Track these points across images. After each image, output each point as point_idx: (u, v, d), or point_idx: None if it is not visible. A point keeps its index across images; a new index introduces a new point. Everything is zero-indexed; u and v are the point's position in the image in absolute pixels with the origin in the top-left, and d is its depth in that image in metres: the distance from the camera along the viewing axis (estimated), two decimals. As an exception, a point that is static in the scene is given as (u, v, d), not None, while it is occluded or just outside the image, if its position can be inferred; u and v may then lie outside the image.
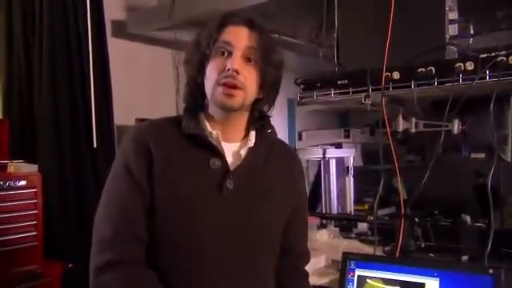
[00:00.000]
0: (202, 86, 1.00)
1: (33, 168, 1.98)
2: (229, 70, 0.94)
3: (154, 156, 0.96)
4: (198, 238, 0.95)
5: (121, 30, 2.68)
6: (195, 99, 1.02)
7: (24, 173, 1.92)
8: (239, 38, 0.96)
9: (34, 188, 1.92)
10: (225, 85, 0.95)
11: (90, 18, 2.36)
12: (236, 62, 0.95)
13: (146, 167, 0.95)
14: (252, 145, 1.03)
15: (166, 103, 2.78)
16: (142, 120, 2.47)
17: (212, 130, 1.00)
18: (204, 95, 1.01)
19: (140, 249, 0.95)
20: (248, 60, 0.97)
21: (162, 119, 1.06)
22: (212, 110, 1.01)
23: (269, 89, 1.02)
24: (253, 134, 1.05)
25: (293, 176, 1.13)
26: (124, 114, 2.56)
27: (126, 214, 0.94)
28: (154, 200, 0.95)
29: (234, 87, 0.95)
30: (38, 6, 2.25)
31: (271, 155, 1.07)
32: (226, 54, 0.97)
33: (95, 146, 2.37)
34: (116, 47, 2.58)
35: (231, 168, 0.99)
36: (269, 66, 0.99)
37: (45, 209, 1.98)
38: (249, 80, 0.97)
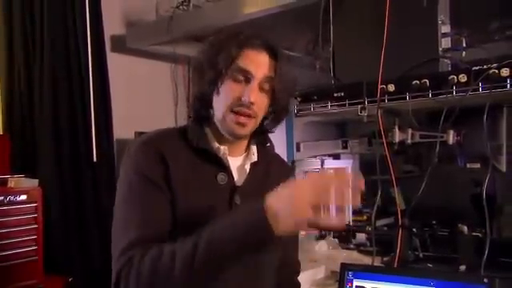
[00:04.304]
0: (210, 101, 0.99)
1: (33, 183, 1.99)
2: (245, 100, 0.94)
3: (168, 161, 0.94)
4: None
5: (120, 44, 2.71)
6: (203, 113, 1.02)
7: (24, 187, 1.93)
8: (259, 67, 0.95)
9: (34, 203, 1.92)
10: (237, 113, 0.95)
11: (90, 34, 2.39)
12: (253, 95, 0.95)
13: (162, 170, 0.94)
14: (255, 159, 1.05)
15: (165, 116, 2.80)
16: (142, 133, 2.49)
17: (219, 145, 1.00)
18: (211, 109, 1.00)
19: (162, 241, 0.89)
20: (262, 88, 0.97)
21: (167, 130, 1.05)
22: (220, 128, 1.00)
23: (280, 112, 1.04)
24: (254, 148, 1.06)
25: None
26: (123, 127, 2.58)
27: (150, 215, 0.91)
28: (173, 204, 0.93)
29: (247, 116, 0.96)
30: (38, 22, 2.29)
31: (270, 169, 1.08)
32: (243, 80, 0.95)
33: (95, 160, 2.39)
34: (115, 62, 2.61)
35: (237, 183, 1.01)
36: (284, 93, 1.00)
37: (45, 223, 1.99)
38: (261, 108, 0.98)
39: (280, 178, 1.09)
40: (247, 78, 0.95)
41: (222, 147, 1.00)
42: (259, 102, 0.96)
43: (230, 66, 0.95)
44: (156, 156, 0.95)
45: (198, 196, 0.96)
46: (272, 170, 1.09)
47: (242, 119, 0.95)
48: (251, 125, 0.98)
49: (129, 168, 0.97)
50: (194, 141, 0.99)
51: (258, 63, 0.95)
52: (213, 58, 0.96)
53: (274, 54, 0.97)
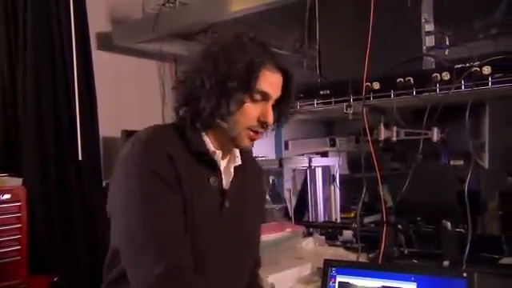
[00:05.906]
0: (221, 114, 0.99)
1: (17, 181, 1.96)
2: (264, 121, 0.99)
3: (175, 161, 0.95)
4: (200, 255, 0.97)
5: (106, 42, 2.69)
6: (206, 117, 1.00)
7: (8, 186, 1.90)
8: (276, 89, 1.01)
9: (18, 202, 1.90)
10: (253, 131, 1.00)
11: (75, 31, 2.36)
12: (271, 116, 1.00)
13: (172, 170, 0.94)
14: (240, 162, 1.08)
15: (152, 114, 2.79)
16: (128, 132, 2.48)
17: (214, 148, 1.02)
18: (219, 120, 1.00)
19: (189, 252, 0.94)
20: (272, 105, 1.02)
21: (163, 129, 1.03)
22: (228, 139, 1.02)
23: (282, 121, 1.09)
24: (237, 151, 1.09)
25: (261, 187, 1.22)
26: (110, 125, 2.56)
27: (172, 215, 0.93)
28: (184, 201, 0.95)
29: (260, 133, 1.02)
30: (21, 20, 2.26)
31: (246, 170, 1.11)
32: (260, 100, 0.99)
33: (80, 158, 2.37)
34: (101, 59, 2.59)
35: (225, 186, 1.04)
36: (289, 107, 1.07)
37: (29, 222, 1.96)
38: None
39: (253, 180, 1.14)
40: (265, 99, 1.00)
41: (217, 151, 1.03)
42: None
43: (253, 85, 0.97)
44: (164, 155, 0.95)
45: (197, 197, 0.98)
46: (247, 171, 1.12)
47: (255, 136, 1.02)
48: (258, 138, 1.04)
49: (137, 164, 0.94)
50: (193, 143, 1.00)
51: (275, 85, 1.01)
52: (242, 78, 0.96)
53: (289, 77, 1.03)
